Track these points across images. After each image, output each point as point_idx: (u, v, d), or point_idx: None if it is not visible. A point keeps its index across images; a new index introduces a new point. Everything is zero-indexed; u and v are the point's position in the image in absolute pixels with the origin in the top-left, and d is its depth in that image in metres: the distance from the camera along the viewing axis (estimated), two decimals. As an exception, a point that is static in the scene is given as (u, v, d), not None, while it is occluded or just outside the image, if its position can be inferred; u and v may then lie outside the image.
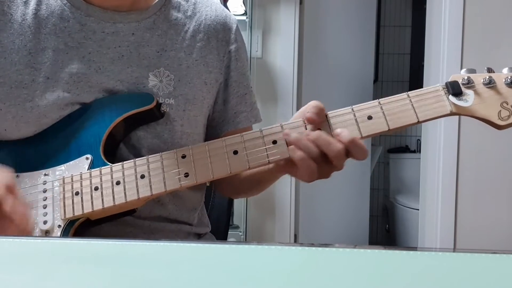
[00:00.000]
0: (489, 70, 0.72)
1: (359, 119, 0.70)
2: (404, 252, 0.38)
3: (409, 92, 0.71)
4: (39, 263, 0.38)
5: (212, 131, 0.90)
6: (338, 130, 0.69)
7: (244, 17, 2.34)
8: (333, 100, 2.96)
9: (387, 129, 0.70)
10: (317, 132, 0.68)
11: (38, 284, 0.35)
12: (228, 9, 2.12)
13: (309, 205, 2.82)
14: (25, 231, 0.66)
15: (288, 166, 0.72)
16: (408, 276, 0.35)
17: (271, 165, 0.74)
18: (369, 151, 3.46)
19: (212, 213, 1.08)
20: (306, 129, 0.70)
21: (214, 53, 0.87)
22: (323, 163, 0.68)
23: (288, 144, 0.70)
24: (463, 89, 0.70)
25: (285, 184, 2.34)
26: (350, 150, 0.68)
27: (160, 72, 0.81)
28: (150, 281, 0.35)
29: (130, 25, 0.81)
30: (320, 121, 0.70)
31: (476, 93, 0.70)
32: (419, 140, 3.29)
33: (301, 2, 2.43)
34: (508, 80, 0.70)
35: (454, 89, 0.70)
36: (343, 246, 0.38)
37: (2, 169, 0.69)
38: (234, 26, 0.91)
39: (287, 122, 0.72)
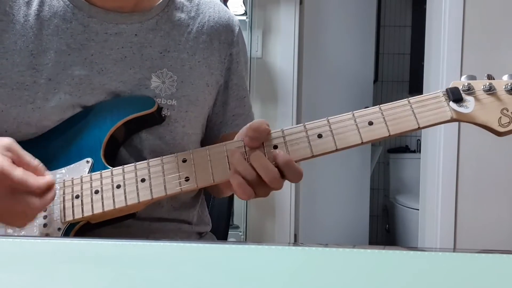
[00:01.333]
0: (489, 77, 0.72)
1: (359, 124, 0.70)
2: (404, 252, 0.38)
3: (409, 98, 0.72)
4: (39, 263, 0.38)
5: (209, 132, 0.90)
6: (275, 152, 0.68)
7: (244, 17, 2.34)
8: (333, 100, 2.97)
9: (387, 134, 0.70)
10: (256, 155, 0.68)
11: (38, 284, 0.35)
12: (228, 9, 2.11)
13: (309, 205, 2.82)
14: (46, 197, 0.66)
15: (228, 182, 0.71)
16: (408, 276, 0.35)
17: None
18: (369, 151, 3.47)
19: (212, 212, 1.08)
20: (245, 149, 0.70)
21: (216, 54, 0.87)
22: (260, 185, 0.68)
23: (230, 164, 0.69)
24: (463, 95, 0.71)
25: (285, 184, 2.33)
26: (285, 173, 0.68)
27: (163, 73, 0.81)
28: (150, 281, 0.35)
29: (133, 26, 0.81)
30: (257, 146, 0.69)
31: (477, 99, 0.71)
32: (419, 140, 3.29)
33: (301, 2, 2.43)
34: (508, 86, 0.70)
35: (454, 95, 0.70)
36: (342, 246, 0.38)
37: (0, 138, 0.68)
38: (236, 29, 0.91)
39: (231, 141, 0.71)
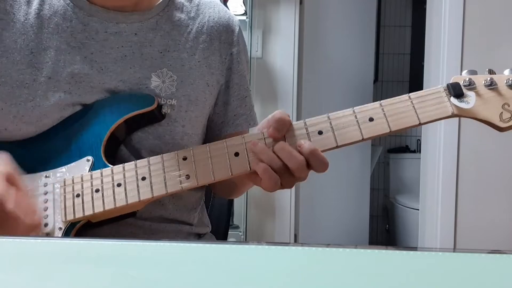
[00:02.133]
0: (491, 72, 0.72)
1: (360, 120, 0.70)
2: (404, 252, 0.38)
3: (410, 94, 0.71)
4: (39, 263, 0.38)
5: (211, 132, 0.90)
6: (300, 142, 0.69)
7: (244, 17, 2.34)
8: (333, 100, 2.97)
9: (388, 130, 0.70)
10: (280, 144, 0.69)
11: (38, 284, 0.35)
12: (228, 9, 2.11)
13: (309, 205, 2.82)
14: (33, 226, 0.66)
15: (252, 175, 0.72)
16: (408, 276, 0.35)
17: None
18: (369, 151, 3.47)
19: (212, 213, 1.08)
20: (265, 141, 0.71)
21: (217, 54, 0.87)
22: (286, 174, 0.69)
23: (253, 154, 0.70)
24: (464, 90, 0.70)
25: (285, 184, 2.34)
26: (310, 162, 0.68)
27: (162, 72, 0.81)
28: (150, 281, 0.35)
29: (133, 25, 0.81)
30: (281, 136, 0.70)
31: (478, 94, 0.70)
32: (419, 140, 3.29)
33: (301, 2, 2.43)
34: (510, 81, 0.70)
35: (455, 90, 0.70)
36: (343, 246, 0.38)
37: (1, 158, 0.68)
38: (237, 29, 0.91)
39: (250, 134, 0.73)
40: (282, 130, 0.70)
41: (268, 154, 0.69)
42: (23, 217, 0.64)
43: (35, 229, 0.67)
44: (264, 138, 0.71)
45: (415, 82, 3.47)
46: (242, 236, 2.37)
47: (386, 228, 3.71)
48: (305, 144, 0.68)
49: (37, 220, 0.67)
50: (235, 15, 0.96)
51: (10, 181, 0.65)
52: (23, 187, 0.67)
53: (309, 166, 0.69)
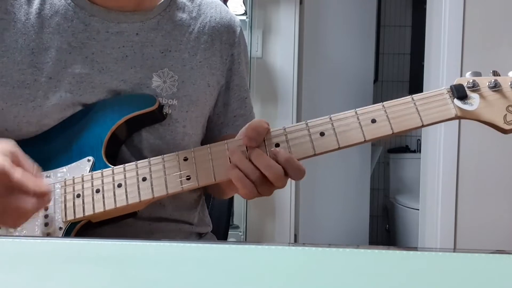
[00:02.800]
0: (495, 73, 0.71)
1: (362, 122, 0.70)
2: (404, 252, 0.38)
3: (413, 96, 0.70)
4: (39, 263, 0.38)
5: (210, 133, 0.90)
6: (275, 149, 0.68)
7: (244, 17, 2.34)
8: (333, 100, 2.97)
9: (391, 132, 0.69)
10: (256, 153, 0.68)
11: (38, 284, 0.35)
12: (228, 8, 2.11)
13: (309, 205, 2.82)
14: (42, 194, 0.64)
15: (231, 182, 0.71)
16: (408, 276, 0.35)
17: None
18: (369, 151, 3.47)
19: (212, 213, 1.08)
20: (246, 148, 0.69)
21: (218, 55, 0.87)
22: (264, 183, 0.68)
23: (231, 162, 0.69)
24: (468, 92, 0.69)
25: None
26: (287, 170, 0.67)
27: (164, 72, 0.81)
28: (150, 281, 0.35)
29: (134, 25, 0.81)
30: (256, 145, 0.69)
31: (482, 96, 0.69)
32: (419, 140, 3.29)
33: (301, 2, 2.43)
34: (515, 83, 0.69)
35: (459, 92, 0.69)
36: (343, 246, 0.38)
37: (6, 141, 0.67)
38: (238, 29, 0.91)
39: (232, 140, 0.71)
40: (257, 139, 0.69)
41: (246, 164, 0.67)
42: (32, 185, 0.63)
43: (43, 198, 0.65)
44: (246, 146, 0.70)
45: (415, 82, 3.47)
46: (242, 236, 2.37)
47: (386, 228, 3.71)
48: (280, 152, 0.67)
49: (46, 188, 0.65)
50: (235, 15, 0.96)
51: (15, 160, 0.64)
52: (28, 165, 0.66)
53: (286, 174, 0.68)
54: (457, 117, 0.69)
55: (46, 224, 0.72)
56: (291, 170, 0.67)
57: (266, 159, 0.67)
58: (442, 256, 0.38)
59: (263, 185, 0.68)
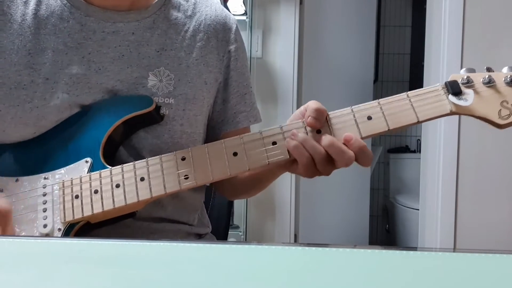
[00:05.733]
0: (489, 69, 0.72)
1: (358, 119, 0.70)
2: (404, 252, 0.38)
3: (408, 92, 0.71)
4: (39, 263, 0.38)
5: (212, 131, 0.90)
6: (348, 137, 0.69)
7: (244, 17, 2.34)
8: (333, 100, 2.96)
9: (386, 129, 0.70)
10: (330, 140, 0.69)
11: (38, 284, 0.35)
12: (228, 9, 2.11)
13: (309, 205, 2.82)
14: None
15: (288, 164, 0.73)
16: (408, 276, 0.35)
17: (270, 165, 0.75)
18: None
19: (212, 213, 1.08)
20: (306, 130, 0.71)
21: (214, 52, 0.87)
22: (326, 163, 0.70)
23: (290, 144, 0.70)
24: (462, 88, 0.70)
25: (285, 184, 2.34)
26: (358, 157, 0.69)
27: (160, 71, 0.81)
28: (150, 281, 0.35)
29: (130, 24, 0.81)
30: (321, 126, 0.70)
31: (476, 92, 0.70)
32: (419, 140, 3.29)
33: (301, 2, 2.43)
34: (508, 79, 0.70)
35: (453, 88, 0.70)
36: (343, 246, 0.38)
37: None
38: (234, 26, 0.91)
39: (286, 124, 0.73)
40: (321, 120, 0.70)
41: (312, 144, 0.69)
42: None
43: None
44: (305, 128, 0.71)
45: (415, 82, 3.47)
46: (242, 236, 2.37)
47: (386, 228, 3.71)
48: (354, 141, 0.69)
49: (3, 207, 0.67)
50: (235, 15, 0.96)
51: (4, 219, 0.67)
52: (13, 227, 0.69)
53: (356, 160, 0.70)
54: (452, 113, 0.70)
55: (44, 226, 0.72)
56: (363, 157, 0.69)
57: (339, 146, 0.69)
58: (442, 256, 0.38)
59: (326, 165, 0.70)
